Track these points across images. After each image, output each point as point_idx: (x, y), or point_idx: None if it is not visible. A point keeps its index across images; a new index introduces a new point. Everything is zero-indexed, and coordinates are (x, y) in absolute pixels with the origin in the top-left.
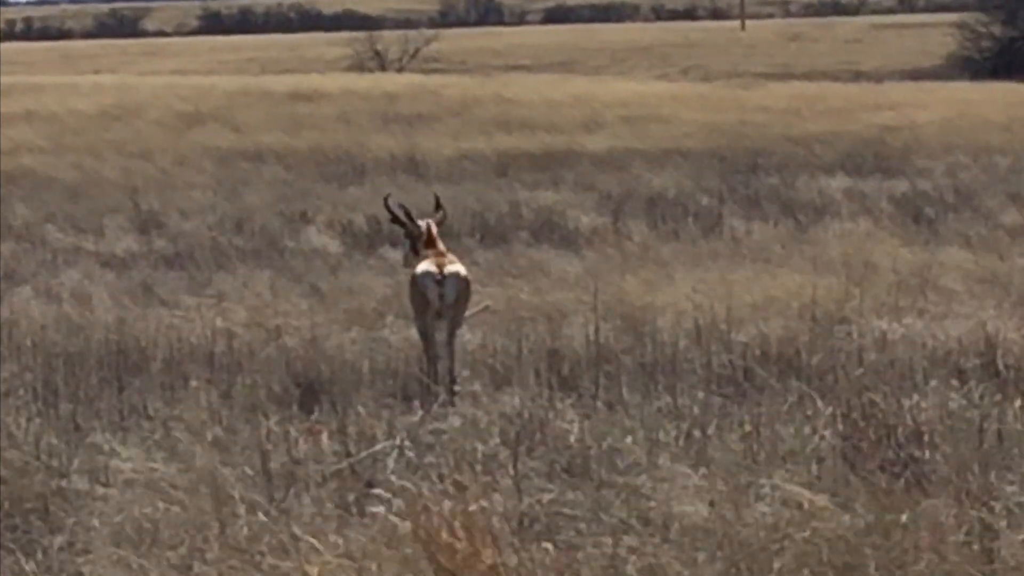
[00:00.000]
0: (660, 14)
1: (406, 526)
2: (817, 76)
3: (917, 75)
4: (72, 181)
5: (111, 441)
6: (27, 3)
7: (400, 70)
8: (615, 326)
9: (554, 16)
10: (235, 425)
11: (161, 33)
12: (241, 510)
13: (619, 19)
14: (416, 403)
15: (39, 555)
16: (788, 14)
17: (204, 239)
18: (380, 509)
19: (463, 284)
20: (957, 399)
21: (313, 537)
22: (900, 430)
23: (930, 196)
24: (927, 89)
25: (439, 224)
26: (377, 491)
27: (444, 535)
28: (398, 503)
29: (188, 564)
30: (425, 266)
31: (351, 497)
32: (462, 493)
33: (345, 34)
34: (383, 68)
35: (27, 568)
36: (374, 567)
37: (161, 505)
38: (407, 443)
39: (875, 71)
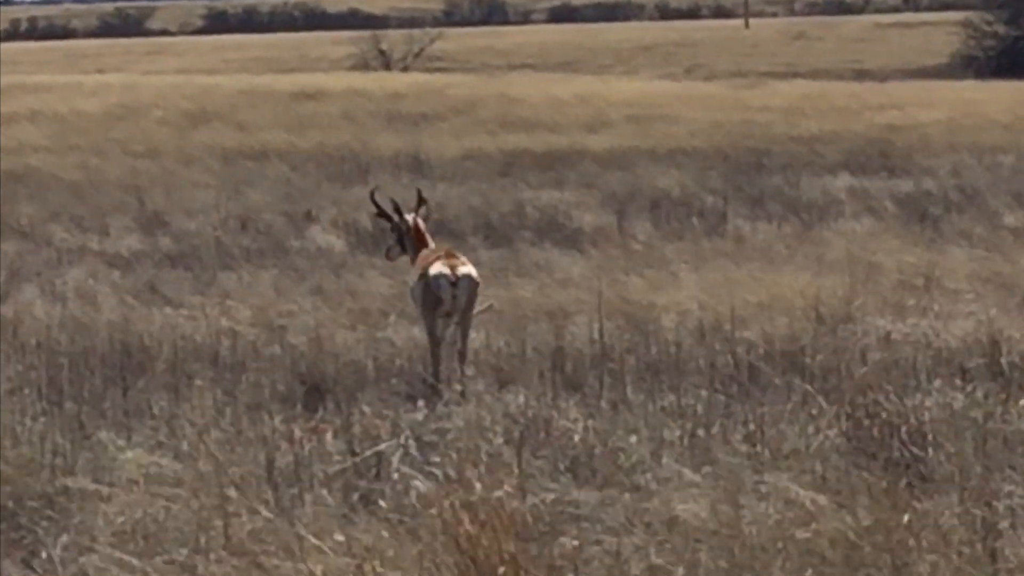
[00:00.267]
0: (664, 13)
1: (413, 523)
2: (821, 75)
3: (921, 74)
4: (77, 180)
5: (116, 440)
6: (32, 2)
7: (404, 69)
8: (619, 325)
9: (558, 15)
10: (239, 424)
11: (166, 32)
12: (245, 509)
13: (623, 18)
14: (420, 402)
15: (44, 553)
16: (792, 13)
17: (209, 238)
18: (385, 504)
19: (475, 286)
20: (961, 399)
21: (317, 536)
22: (904, 429)
23: (934, 195)
24: (931, 88)
25: (424, 219)
26: (392, 479)
27: (467, 524)
28: (409, 498)
29: (192, 563)
30: (438, 268)
31: (356, 496)
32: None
33: (350, 33)
34: (387, 67)
35: (32, 566)
36: (379, 566)
37: (165, 504)
38: (411, 442)
39: (879, 70)
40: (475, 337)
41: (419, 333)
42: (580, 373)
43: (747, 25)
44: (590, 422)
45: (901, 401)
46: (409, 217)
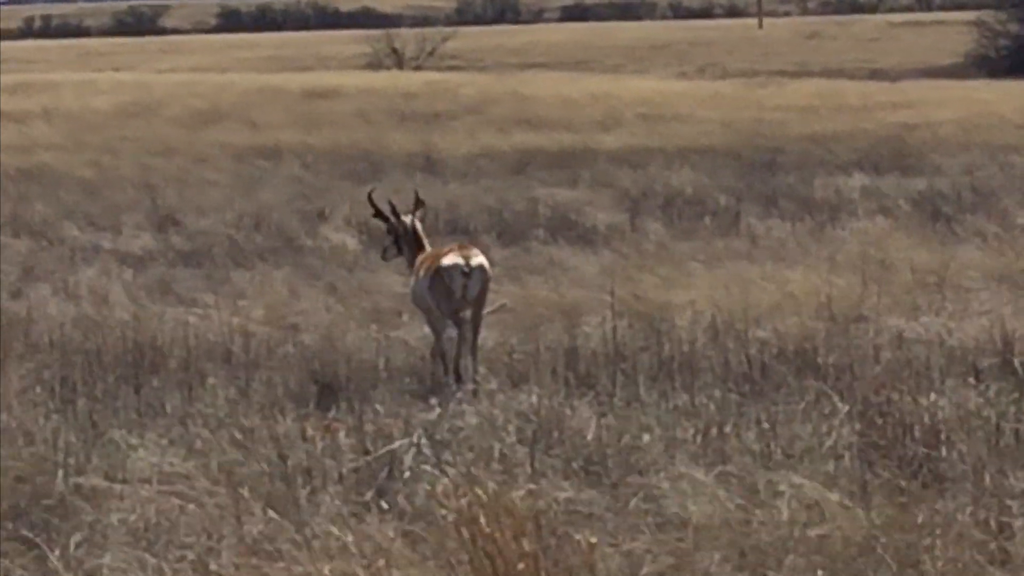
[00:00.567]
0: (677, 12)
1: (427, 522)
2: (834, 74)
3: (934, 73)
4: (90, 179)
5: (128, 438)
6: (45, 0)
7: (417, 68)
8: (632, 324)
9: (571, 14)
10: (252, 423)
11: (179, 31)
12: (258, 508)
13: (636, 17)
14: (433, 401)
15: (57, 552)
16: (805, 12)
17: (221, 237)
18: (398, 503)
19: (488, 278)
20: (974, 398)
21: (330, 535)
22: (917, 429)
23: (947, 195)
24: (944, 87)
25: (421, 221)
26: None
27: (483, 522)
28: (422, 497)
29: (205, 561)
30: (452, 259)
31: (368, 495)
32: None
33: (362, 32)
34: (400, 66)
35: (45, 565)
36: (392, 565)
37: (178, 502)
38: (424, 441)
39: (892, 69)
40: (487, 336)
41: (430, 333)
42: (593, 372)
43: (760, 24)
44: (603, 421)
45: (914, 400)
46: (407, 219)
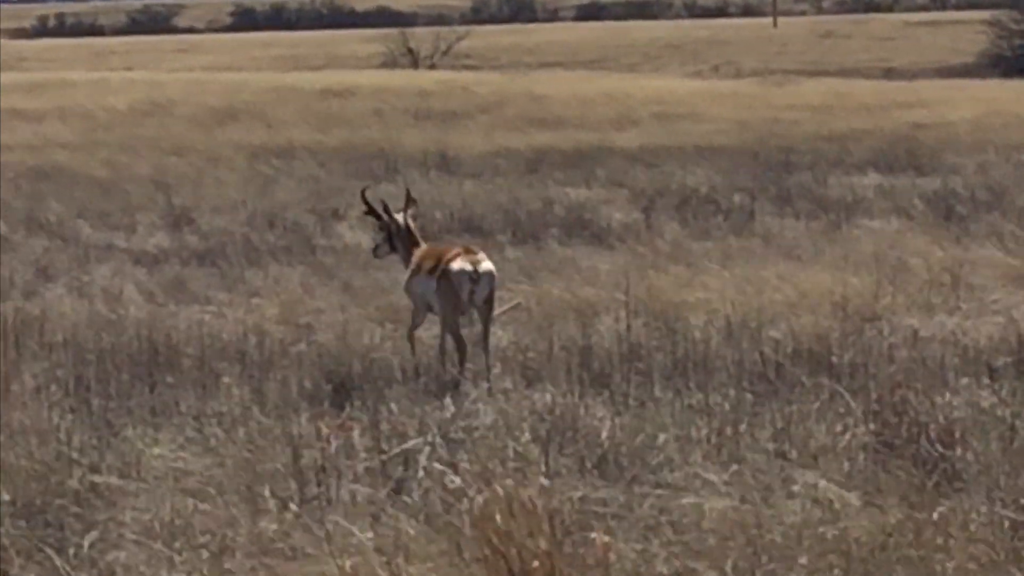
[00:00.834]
0: (692, 11)
1: (442, 520)
2: (849, 73)
3: (949, 72)
4: (104, 177)
5: (143, 437)
6: None
7: (432, 67)
8: (647, 323)
9: (586, 13)
10: (267, 421)
11: (193, 30)
12: (272, 506)
13: (651, 16)
14: (448, 400)
15: (72, 550)
16: (820, 11)
17: (236, 235)
18: (414, 501)
19: (494, 282)
20: (988, 397)
21: (345, 534)
22: (931, 428)
23: (961, 194)
24: (959, 86)
25: (414, 218)
26: (420, 477)
27: (500, 519)
28: (437, 494)
29: (220, 560)
30: (460, 264)
31: (383, 493)
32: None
33: (377, 31)
34: (415, 65)
35: (60, 563)
36: (408, 562)
37: (193, 501)
38: (439, 440)
39: (907, 68)
40: (502, 335)
41: (442, 330)
42: (608, 371)
43: (775, 23)
44: (617, 420)
45: (929, 399)
46: (399, 217)
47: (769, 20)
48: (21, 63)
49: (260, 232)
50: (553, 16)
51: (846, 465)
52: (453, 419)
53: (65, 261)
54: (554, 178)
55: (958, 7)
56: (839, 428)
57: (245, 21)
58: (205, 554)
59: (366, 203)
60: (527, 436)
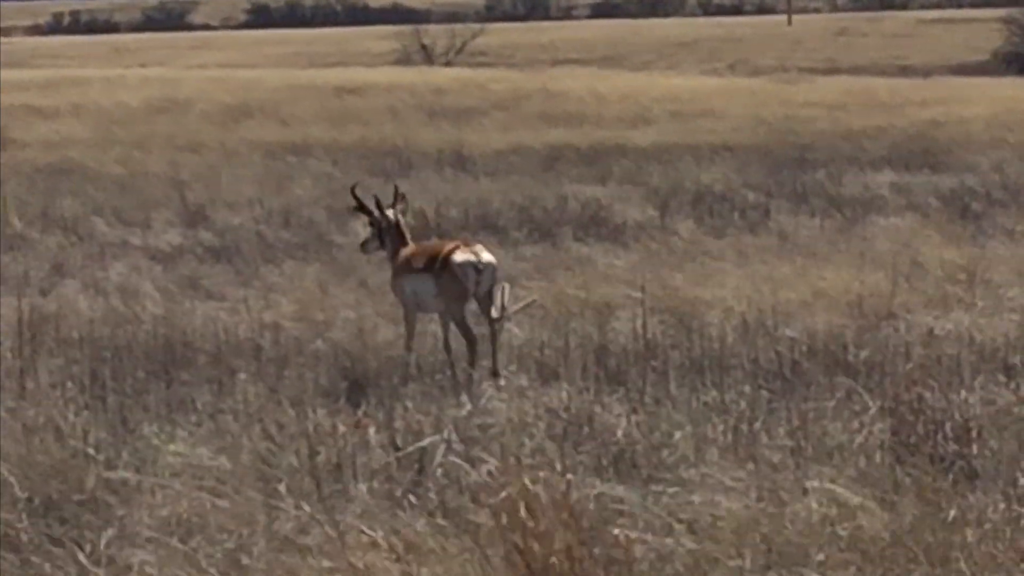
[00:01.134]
0: (707, 9)
1: (460, 517)
2: (864, 71)
3: (964, 70)
4: (119, 175)
5: (159, 434)
6: None
7: (447, 64)
8: (662, 320)
9: (601, 10)
10: (282, 418)
11: (208, 27)
12: (288, 503)
13: (666, 14)
14: (463, 397)
15: (88, 547)
16: (835, 9)
17: (251, 233)
18: (430, 499)
19: (497, 272)
20: (1005, 395)
21: (361, 531)
22: (948, 426)
23: (977, 191)
24: (974, 84)
25: (403, 215)
26: (436, 474)
27: (522, 516)
28: (453, 492)
29: (236, 557)
30: (464, 256)
31: (399, 491)
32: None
33: (392, 28)
34: (430, 62)
35: (76, 560)
36: (423, 559)
37: (209, 498)
38: (454, 437)
39: (922, 66)
40: (518, 333)
41: (454, 328)
42: (623, 368)
43: (790, 21)
44: (633, 417)
45: (945, 397)
46: (390, 213)
47: (784, 18)
48: (36, 60)
49: (275, 229)
50: (567, 14)
51: (862, 463)
52: (469, 416)
53: (80, 258)
54: (569, 176)
55: (973, 5)
56: (855, 426)
57: (260, 18)
58: (222, 551)
59: (356, 199)
60: (543, 433)
